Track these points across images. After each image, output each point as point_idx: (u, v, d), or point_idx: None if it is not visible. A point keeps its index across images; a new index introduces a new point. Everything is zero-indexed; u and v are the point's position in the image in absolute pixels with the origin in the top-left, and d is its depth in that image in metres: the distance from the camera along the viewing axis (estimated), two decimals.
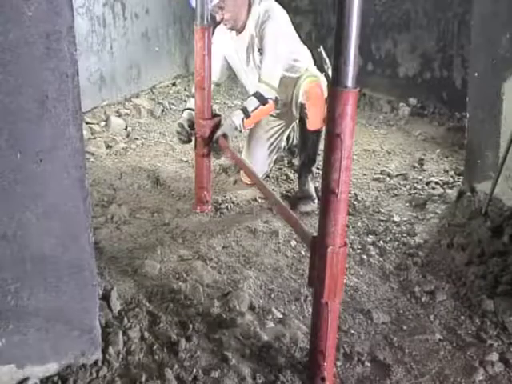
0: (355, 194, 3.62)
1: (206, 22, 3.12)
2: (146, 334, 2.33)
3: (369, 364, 2.29)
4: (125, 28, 4.80)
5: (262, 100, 3.32)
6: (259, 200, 3.54)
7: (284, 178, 3.84)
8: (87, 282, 2.04)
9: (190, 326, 2.41)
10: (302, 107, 3.44)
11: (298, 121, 3.65)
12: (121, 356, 2.19)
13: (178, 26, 5.35)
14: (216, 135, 3.26)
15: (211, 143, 3.29)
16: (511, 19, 3.05)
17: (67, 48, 1.73)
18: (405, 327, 2.50)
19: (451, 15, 4.78)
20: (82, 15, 4.34)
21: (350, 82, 1.81)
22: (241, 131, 3.45)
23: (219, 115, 3.38)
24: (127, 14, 4.81)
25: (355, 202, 3.52)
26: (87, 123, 4.27)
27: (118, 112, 4.57)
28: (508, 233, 2.98)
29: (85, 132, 4.04)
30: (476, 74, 3.40)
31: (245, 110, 3.32)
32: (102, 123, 4.37)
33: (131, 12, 4.83)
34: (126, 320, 2.37)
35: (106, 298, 2.43)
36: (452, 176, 3.85)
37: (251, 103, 3.33)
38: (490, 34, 3.20)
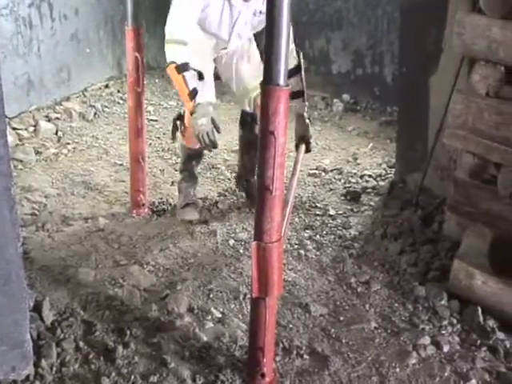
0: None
1: (137, 23, 3.06)
2: (81, 344, 2.28)
3: (307, 357, 2.33)
4: (53, 29, 4.67)
5: None
6: None
7: (221, 177, 3.82)
8: (16, 293, 1.98)
9: (128, 332, 2.38)
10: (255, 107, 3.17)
11: (240, 123, 3.42)
12: (54, 369, 2.14)
13: (110, 27, 5.25)
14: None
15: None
16: (436, 17, 3.13)
17: None
18: (342, 318, 2.55)
19: (381, 13, 4.88)
20: (6, 16, 4.20)
21: (281, 79, 1.83)
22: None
23: None
24: (55, 14, 4.68)
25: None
26: (14, 129, 4.13)
27: (47, 116, 4.44)
28: (438, 221, 3.07)
29: (12, 138, 3.90)
30: (404, 70, 3.49)
31: None
32: (31, 128, 4.23)
33: (59, 13, 4.70)
34: (59, 331, 2.32)
35: (37, 309, 2.36)
36: (384, 169, 3.94)
37: None
38: (417, 30, 3.28)
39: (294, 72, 2.96)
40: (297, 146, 3.02)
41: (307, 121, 3.05)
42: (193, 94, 2.75)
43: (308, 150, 3.05)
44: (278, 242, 1.99)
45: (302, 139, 3.00)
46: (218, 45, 3.10)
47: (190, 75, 2.74)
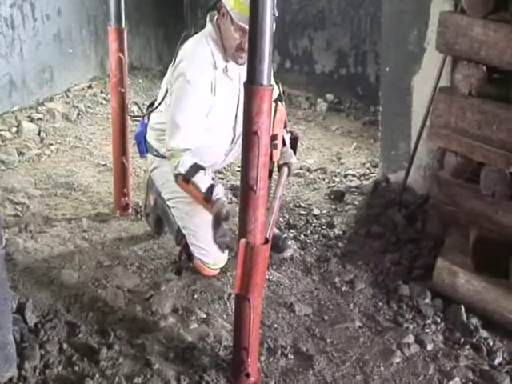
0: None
1: (120, 23, 3.04)
2: (65, 346, 2.27)
3: (292, 356, 2.33)
4: (35, 29, 4.64)
5: None
6: None
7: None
8: None
9: (112, 333, 2.37)
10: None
11: None
12: (38, 371, 2.13)
13: (93, 27, 5.21)
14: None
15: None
16: (418, 17, 3.16)
17: None
18: (326, 317, 2.56)
19: (363, 13, 4.91)
20: None
21: (265, 79, 1.83)
22: None
23: None
24: (37, 14, 4.65)
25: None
26: None
27: (30, 117, 4.40)
28: (421, 220, 3.09)
29: None
30: (387, 69, 3.50)
31: None
32: (13, 129, 4.19)
33: (42, 13, 4.67)
34: (42, 332, 2.30)
35: (20, 311, 2.34)
36: (368, 168, 3.96)
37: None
38: (399, 30, 3.30)
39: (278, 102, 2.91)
40: (279, 169, 2.97)
41: (290, 150, 3.00)
42: (208, 195, 2.51)
43: (289, 174, 2.99)
44: (265, 245, 1.99)
45: (286, 164, 2.94)
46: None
47: (198, 178, 2.54)
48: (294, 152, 3.06)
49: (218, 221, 2.42)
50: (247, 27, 1.86)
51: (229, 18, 2.54)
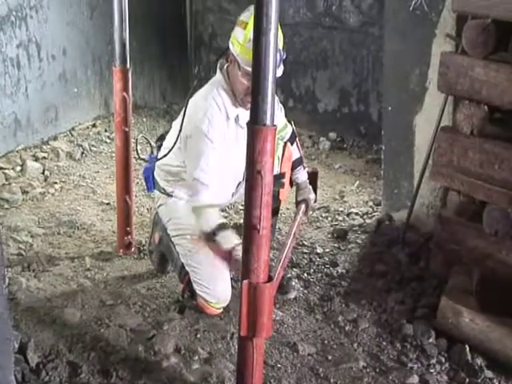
0: (279, 228, 3.64)
1: (125, 63, 3.09)
2: None
3: None
4: (40, 69, 4.71)
5: None
6: None
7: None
8: (0, 335, 1.93)
9: (114, 373, 2.35)
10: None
11: None
12: None
13: (98, 67, 5.29)
14: None
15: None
16: (420, 57, 3.21)
17: None
18: (330, 357, 2.54)
19: (366, 53, 4.97)
20: None
21: (268, 119, 1.85)
22: None
23: None
24: (43, 55, 4.72)
25: (279, 236, 3.55)
26: (1, 168, 4.11)
27: (34, 156, 4.44)
28: (424, 258, 3.08)
29: None
30: (390, 108, 3.54)
31: None
32: (18, 168, 4.22)
33: (47, 53, 4.75)
34: (44, 373, 2.28)
35: (22, 350, 2.33)
36: (371, 206, 3.96)
37: None
38: (401, 70, 3.35)
39: (292, 141, 2.99)
40: (297, 205, 3.01)
41: (309, 186, 3.05)
42: (232, 249, 2.62)
43: (307, 211, 3.03)
44: (270, 284, 1.99)
45: (303, 201, 2.99)
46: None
47: (221, 237, 2.64)
48: (315, 188, 3.05)
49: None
50: None
51: (236, 64, 2.60)
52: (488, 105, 2.62)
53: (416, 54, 3.23)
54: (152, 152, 3.04)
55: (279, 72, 2.57)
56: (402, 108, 3.41)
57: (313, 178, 3.11)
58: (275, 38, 1.79)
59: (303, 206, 2.93)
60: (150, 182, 2.94)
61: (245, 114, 2.65)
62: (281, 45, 2.54)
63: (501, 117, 2.74)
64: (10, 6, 4.33)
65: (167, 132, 2.98)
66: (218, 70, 2.73)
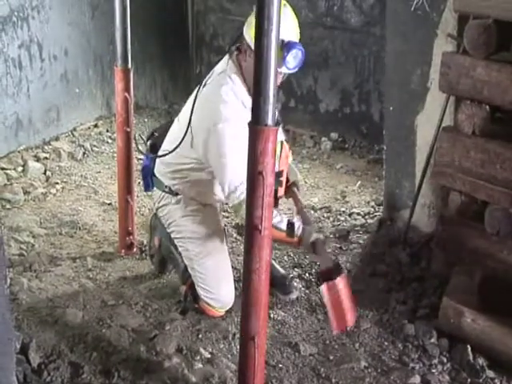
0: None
1: (126, 63, 3.09)
2: None
3: None
4: (42, 70, 4.71)
5: None
6: None
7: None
8: (2, 336, 1.94)
9: (115, 373, 2.35)
10: None
11: None
12: None
13: (99, 67, 5.30)
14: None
15: None
16: (421, 57, 3.20)
17: None
18: (331, 357, 2.54)
19: (367, 53, 4.97)
20: None
21: (270, 120, 1.85)
22: None
23: None
24: (45, 55, 4.73)
25: None
26: (2, 169, 4.12)
27: (36, 156, 4.44)
28: (426, 258, 3.08)
29: (0, 178, 3.92)
30: (391, 108, 3.53)
31: None
32: (19, 168, 4.22)
33: (49, 53, 4.75)
34: (46, 373, 2.29)
35: (24, 351, 2.33)
36: (373, 206, 3.96)
37: None
38: (402, 70, 3.34)
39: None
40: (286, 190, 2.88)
41: (292, 165, 2.96)
42: (290, 232, 2.55)
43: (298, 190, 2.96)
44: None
45: (293, 184, 2.88)
46: None
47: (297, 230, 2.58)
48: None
49: (317, 249, 2.57)
50: None
51: (252, 54, 2.42)
52: (489, 105, 2.62)
53: (417, 54, 3.23)
54: (147, 150, 3.02)
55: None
56: (403, 108, 3.40)
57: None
58: (276, 39, 1.78)
59: (295, 189, 2.88)
60: (148, 181, 2.92)
61: None
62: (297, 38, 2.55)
63: (502, 117, 2.73)
64: (11, 7, 4.33)
65: (156, 130, 2.96)
66: (227, 60, 2.64)
